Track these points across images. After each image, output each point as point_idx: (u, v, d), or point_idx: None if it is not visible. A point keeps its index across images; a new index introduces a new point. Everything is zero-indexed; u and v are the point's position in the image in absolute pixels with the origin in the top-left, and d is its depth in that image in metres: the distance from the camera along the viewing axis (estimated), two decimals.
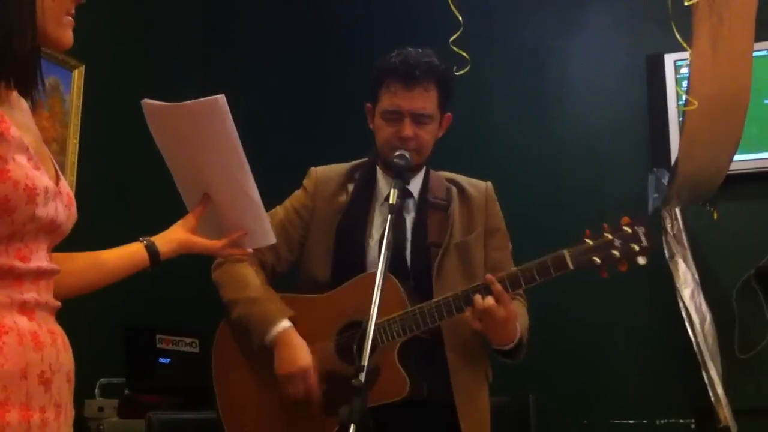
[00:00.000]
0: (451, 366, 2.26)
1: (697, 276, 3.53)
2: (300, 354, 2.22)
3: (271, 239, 1.90)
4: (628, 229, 2.15)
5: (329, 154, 2.61)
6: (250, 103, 4.30)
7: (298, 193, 2.50)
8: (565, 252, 2.15)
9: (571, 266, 2.14)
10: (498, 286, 2.14)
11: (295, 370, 2.21)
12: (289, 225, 2.43)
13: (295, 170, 2.58)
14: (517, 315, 2.28)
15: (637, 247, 2.14)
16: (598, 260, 2.15)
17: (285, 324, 2.26)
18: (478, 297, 2.14)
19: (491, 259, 2.37)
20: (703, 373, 3.39)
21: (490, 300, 2.13)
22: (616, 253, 2.14)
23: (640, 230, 2.15)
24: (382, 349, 2.15)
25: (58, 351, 1.31)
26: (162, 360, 3.50)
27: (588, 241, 2.16)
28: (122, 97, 2.48)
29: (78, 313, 2.04)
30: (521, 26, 4.22)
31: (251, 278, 2.36)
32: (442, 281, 2.28)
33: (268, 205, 1.96)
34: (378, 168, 2.43)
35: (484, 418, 2.32)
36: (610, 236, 2.15)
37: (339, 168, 2.51)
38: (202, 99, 1.67)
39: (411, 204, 2.38)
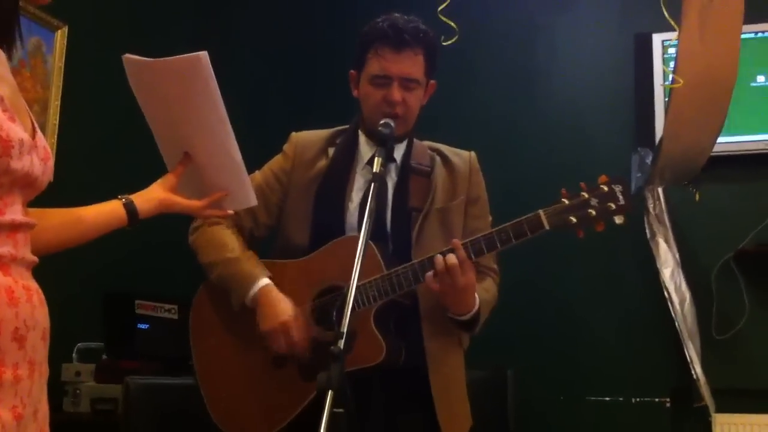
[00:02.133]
0: (425, 331, 2.25)
1: (677, 256, 3.55)
2: (281, 309, 2.21)
3: (253, 201, 1.89)
4: (605, 188, 2.11)
5: (314, 123, 2.59)
6: (238, 67, 4.27)
7: (277, 157, 2.47)
8: (541, 212, 2.12)
9: (546, 226, 2.11)
10: (462, 253, 2.11)
11: (276, 324, 2.20)
12: (267, 189, 2.40)
13: (281, 138, 2.56)
14: (483, 289, 2.28)
15: (613, 206, 2.09)
16: (574, 219, 2.10)
17: (265, 281, 2.25)
18: (438, 257, 2.12)
19: (470, 227, 2.35)
20: (685, 352, 3.42)
21: (451, 259, 2.11)
22: (592, 212, 2.10)
23: (618, 188, 2.10)
24: (358, 314, 2.14)
25: (34, 307, 1.29)
26: (141, 326, 3.49)
27: (564, 200, 2.13)
28: (105, 59, 2.45)
29: (57, 276, 2.03)
30: (510, 1, 4.20)
31: (228, 240, 2.35)
32: (421, 246, 2.27)
33: (252, 172, 1.94)
34: (360, 132, 2.42)
35: (457, 383, 2.32)
36: (586, 195, 2.11)
37: (320, 133, 2.49)
38: (184, 55, 1.65)
39: (393, 168, 2.36)
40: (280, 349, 2.23)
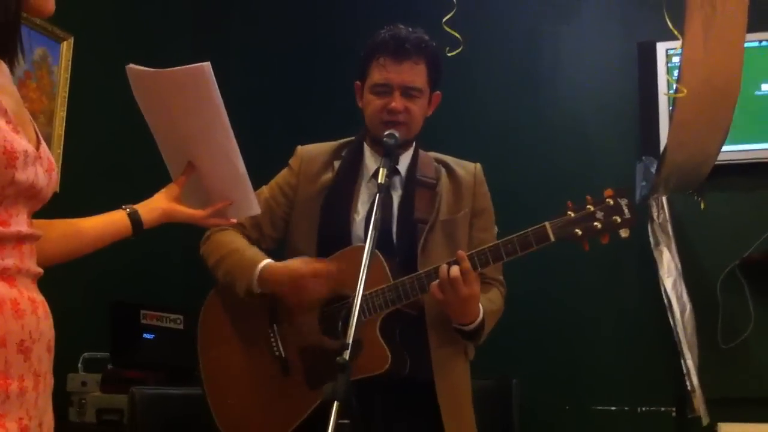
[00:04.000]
0: (432, 341, 2.27)
1: (680, 266, 3.54)
2: (290, 269, 2.22)
3: (256, 209, 1.90)
4: (611, 201, 2.13)
5: (317, 134, 2.60)
6: (241, 78, 4.28)
7: (283, 171, 2.51)
8: (547, 224, 2.14)
9: (552, 238, 2.13)
10: (466, 264, 2.13)
11: (292, 280, 2.21)
12: (273, 203, 2.44)
13: (285, 149, 2.57)
14: (488, 300, 2.30)
15: (619, 219, 2.12)
16: (579, 232, 2.13)
17: (267, 261, 2.26)
18: (443, 267, 2.14)
19: (475, 240, 2.36)
20: (682, 362, 3.41)
21: (455, 270, 2.12)
22: (597, 225, 2.12)
23: (623, 202, 2.13)
24: (364, 323, 2.15)
25: (39, 319, 1.30)
26: (146, 336, 3.49)
27: (570, 213, 2.15)
28: (111, 70, 2.46)
29: (63, 286, 2.04)
30: (514, 10, 4.21)
31: (233, 238, 2.38)
32: (427, 257, 2.28)
33: (257, 183, 1.95)
34: (365, 145, 2.44)
35: (462, 393, 2.33)
36: (592, 208, 2.14)
37: (326, 146, 2.51)
38: (187, 66, 1.66)
39: (398, 181, 2.39)
40: (315, 296, 2.23)
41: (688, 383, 3.39)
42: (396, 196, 2.37)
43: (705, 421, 3.39)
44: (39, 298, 1.33)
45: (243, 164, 1.80)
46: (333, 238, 2.33)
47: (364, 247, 1.97)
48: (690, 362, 3.40)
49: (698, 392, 3.36)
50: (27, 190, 1.29)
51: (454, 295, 2.14)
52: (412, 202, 2.35)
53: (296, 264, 2.24)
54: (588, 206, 2.15)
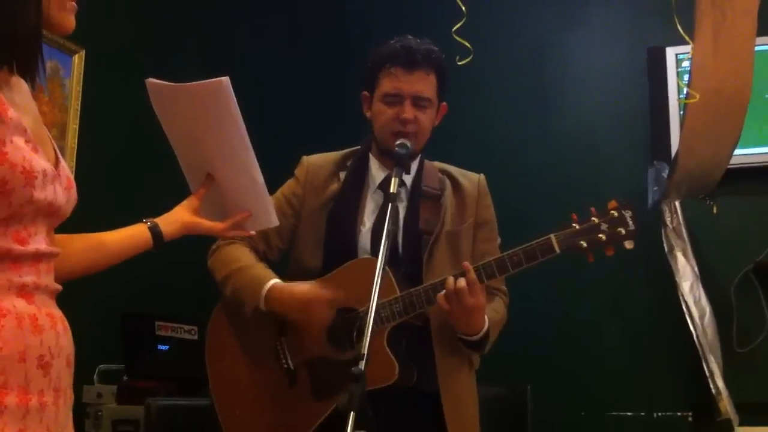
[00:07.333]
0: (437, 351, 2.28)
1: (696, 269, 3.53)
2: (297, 293, 2.23)
3: (274, 221, 1.91)
4: (615, 213, 2.15)
5: (325, 143, 2.61)
6: (248, 89, 4.27)
7: (289, 181, 2.51)
8: (552, 236, 2.16)
9: (557, 250, 2.15)
10: (471, 275, 2.14)
11: (300, 306, 2.22)
12: (280, 214, 2.40)
13: (290, 159, 2.58)
14: (492, 310, 2.30)
15: (623, 231, 2.14)
16: (584, 244, 2.15)
17: (274, 280, 2.27)
18: (450, 279, 2.15)
19: (478, 251, 2.37)
20: (704, 366, 3.39)
21: (461, 282, 2.13)
22: (602, 236, 2.14)
23: (627, 214, 2.15)
24: (372, 335, 2.15)
25: (58, 334, 1.31)
26: (161, 347, 3.50)
27: (575, 225, 2.16)
28: (122, 82, 2.49)
29: (78, 298, 2.05)
30: (523, 18, 4.21)
31: (240, 254, 2.38)
32: (432, 268, 2.29)
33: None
34: (371, 155, 2.44)
35: (468, 403, 2.33)
36: (596, 220, 2.16)
37: (331, 156, 2.51)
38: (206, 80, 1.68)
39: (403, 192, 2.39)
40: (314, 324, 2.23)
41: (712, 387, 3.37)
42: (402, 207, 2.37)
43: (735, 422, 3.38)
44: (57, 313, 1.34)
45: (261, 176, 1.81)
46: (339, 249, 2.34)
47: (369, 260, 1.97)
48: (714, 365, 3.38)
49: (724, 394, 3.35)
50: (45, 209, 1.30)
51: (460, 305, 2.15)
52: (417, 213, 2.36)
53: (302, 289, 2.24)
54: (592, 218, 2.17)
